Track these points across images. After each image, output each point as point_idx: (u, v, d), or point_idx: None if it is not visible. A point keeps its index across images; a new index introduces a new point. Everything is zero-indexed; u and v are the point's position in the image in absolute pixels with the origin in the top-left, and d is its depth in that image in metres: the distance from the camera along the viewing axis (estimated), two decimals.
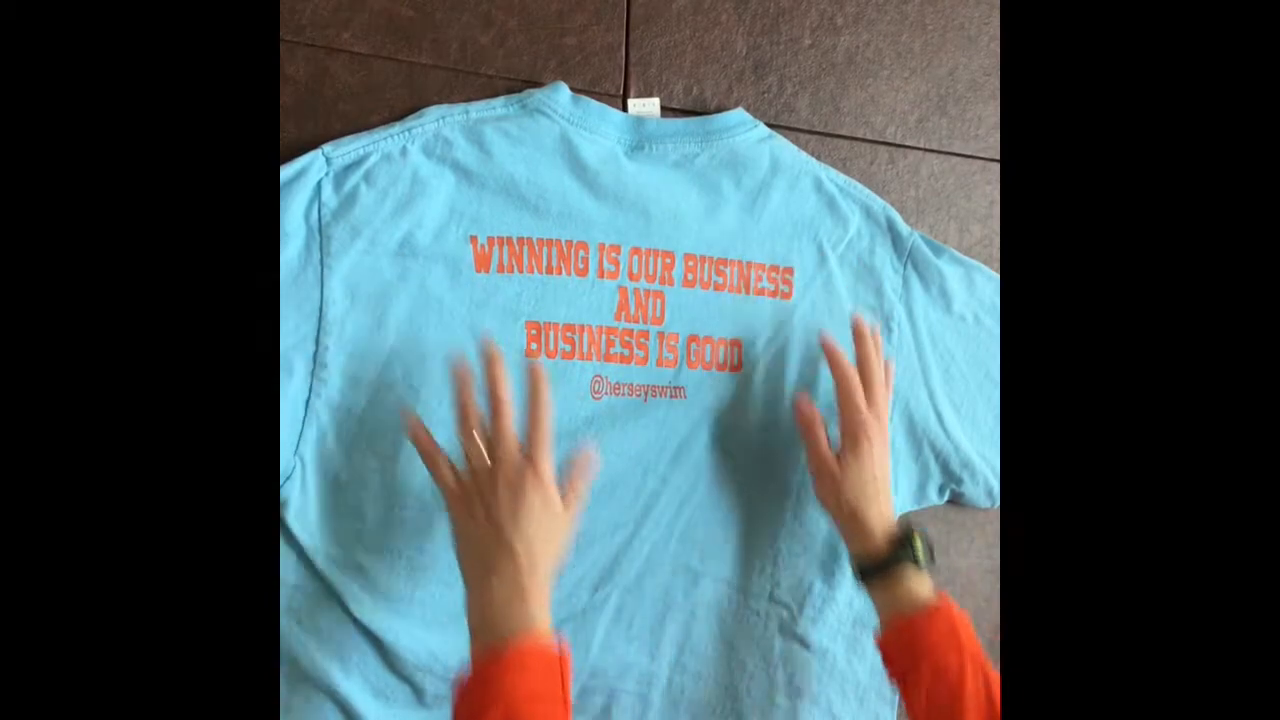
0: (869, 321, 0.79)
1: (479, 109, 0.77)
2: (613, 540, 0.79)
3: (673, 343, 0.81)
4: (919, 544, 0.73)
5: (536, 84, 0.80)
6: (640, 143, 0.80)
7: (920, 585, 0.72)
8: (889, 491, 0.76)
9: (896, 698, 0.85)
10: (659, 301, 0.80)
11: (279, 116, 0.74)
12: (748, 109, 0.84)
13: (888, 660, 0.72)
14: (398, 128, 0.75)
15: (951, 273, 0.87)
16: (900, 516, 0.77)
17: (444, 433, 0.68)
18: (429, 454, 0.67)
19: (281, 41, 0.75)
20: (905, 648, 0.70)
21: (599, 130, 0.79)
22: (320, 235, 0.72)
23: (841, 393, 0.75)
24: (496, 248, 0.76)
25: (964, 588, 0.91)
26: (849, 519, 0.75)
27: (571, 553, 0.78)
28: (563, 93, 0.78)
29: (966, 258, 0.89)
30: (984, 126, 0.92)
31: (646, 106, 0.82)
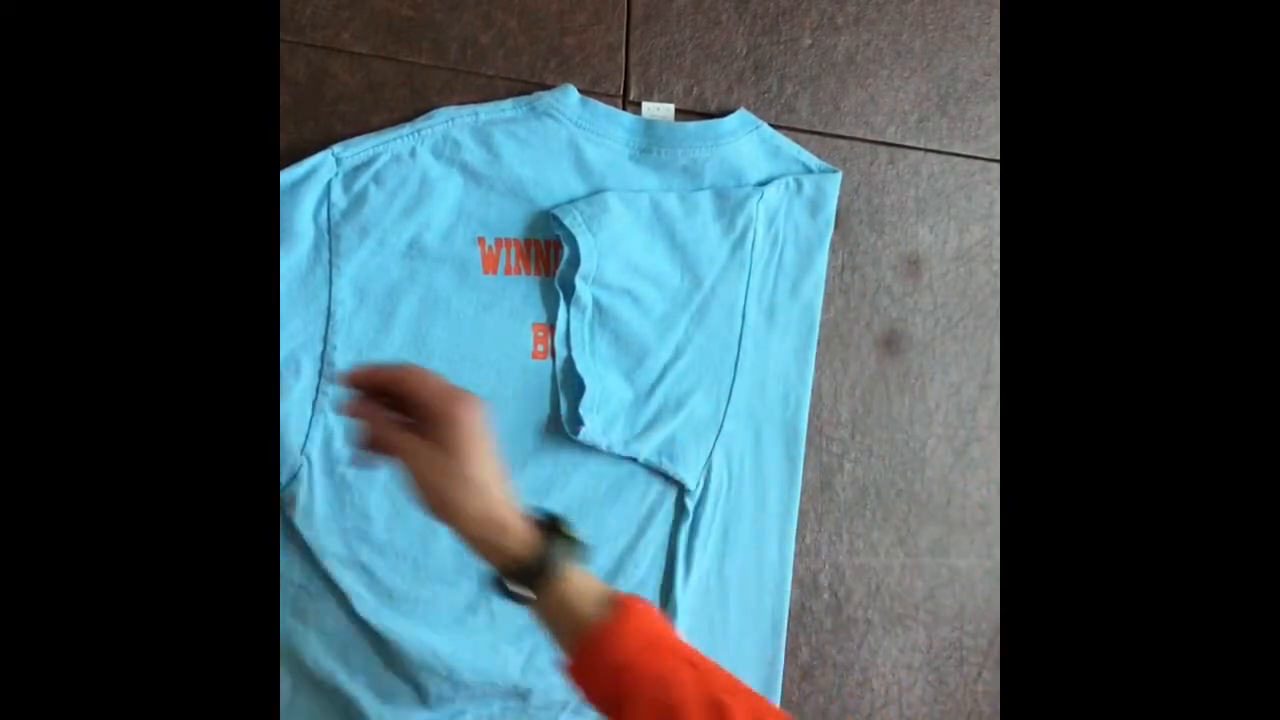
0: None
1: (488, 111, 0.77)
2: (616, 545, 0.79)
3: None
4: (568, 530, 0.59)
5: (537, 84, 0.80)
6: (649, 146, 0.80)
7: (589, 584, 0.58)
8: (495, 480, 0.57)
9: None
10: None
11: (279, 116, 0.74)
12: (748, 109, 0.84)
13: (589, 692, 0.56)
14: (407, 129, 0.75)
15: None
16: (531, 509, 0.60)
17: None
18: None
19: (281, 41, 0.75)
20: (606, 670, 0.54)
21: (607, 134, 0.79)
22: (329, 235, 0.72)
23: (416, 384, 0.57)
24: (504, 249, 0.76)
25: (964, 588, 0.91)
26: (457, 522, 0.56)
27: None
28: (571, 96, 0.78)
29: None
30: (984, 126, 0.92)
31: (660, 111, 0.82)
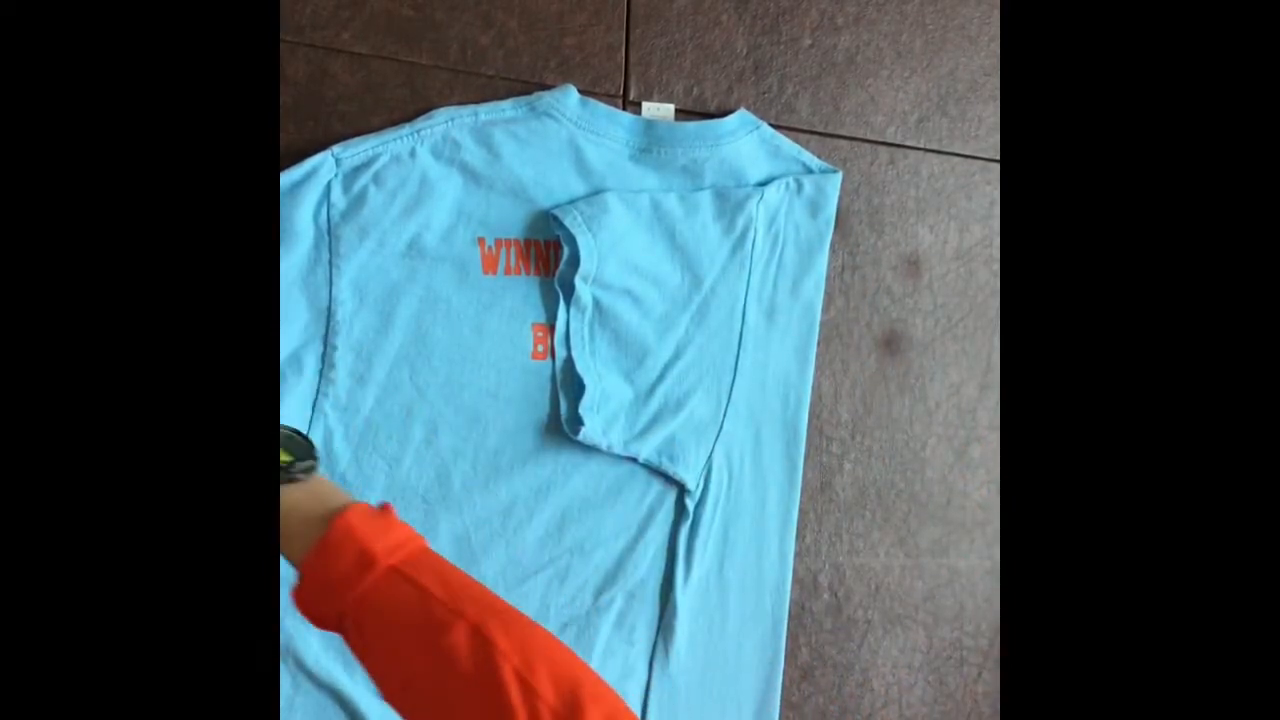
0: None
1: (488, 111, 0.77)
2: (616, 545, 0.79)
3: None
4: (294, 443, 0.54)
5: (537, 84, 0.80)
6: (649, 146, 0.80)
7: (310, 501, 0.52)
8: None
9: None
10: None
11: (279, 116, 0.74)
12: (748, 109, 0.84)
13: (311, 617, 0.51)
14: (407, 129, 0.75)
15: None
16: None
17: (449, 436, 0.68)
18: None
19: (281, 41, 0.75)
20: (322, 594, 0.49)
21: (607, 133, 0.79)
22: (329, 236, 0.72)
23: None
24: (504, 250, 0.76)
25: (964, 588, 0.91)
26: None
27: (576, 557, 0.78)
28: (571, 96, 0.78)
29: None
30: (984, 126, 0.92)
31: (660, 111, 0.82)
